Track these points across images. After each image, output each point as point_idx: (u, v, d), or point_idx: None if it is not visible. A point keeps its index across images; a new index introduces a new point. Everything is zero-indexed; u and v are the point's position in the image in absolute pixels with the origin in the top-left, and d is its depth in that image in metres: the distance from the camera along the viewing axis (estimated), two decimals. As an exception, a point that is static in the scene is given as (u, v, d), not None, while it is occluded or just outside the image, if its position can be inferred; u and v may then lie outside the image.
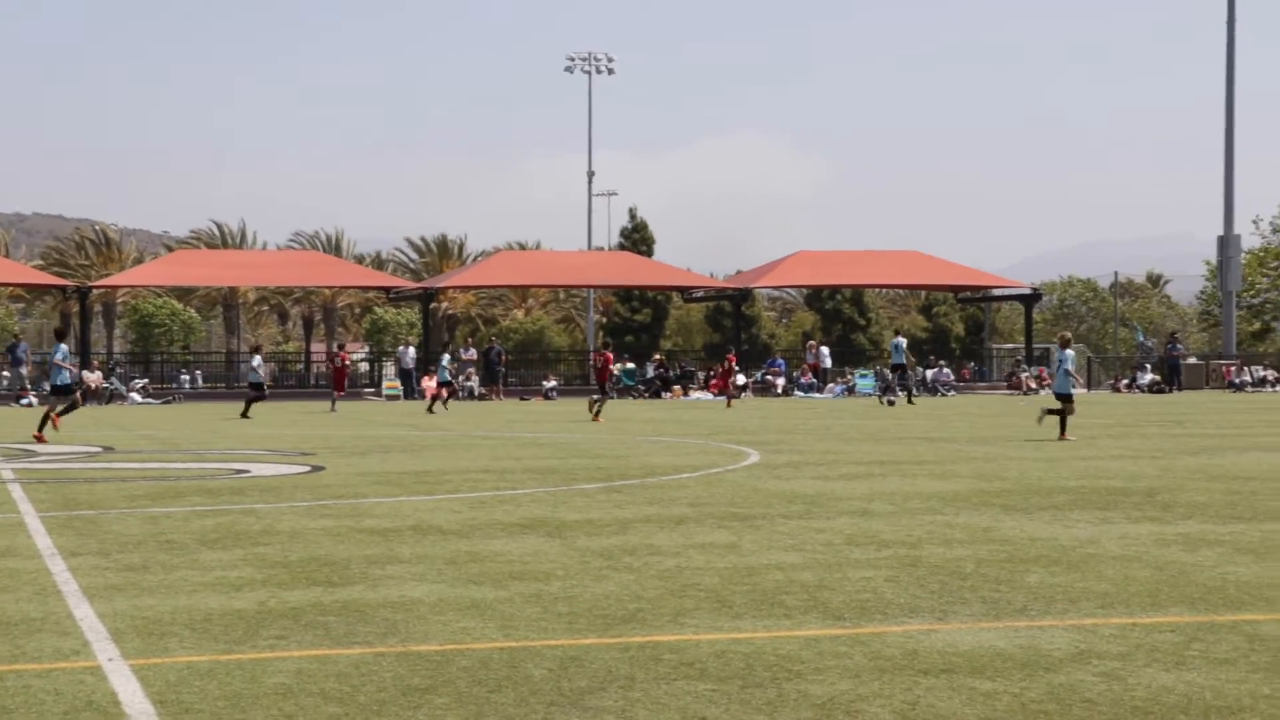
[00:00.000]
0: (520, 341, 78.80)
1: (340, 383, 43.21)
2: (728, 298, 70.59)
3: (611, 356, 36.74)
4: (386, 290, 65.52)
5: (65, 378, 26.67)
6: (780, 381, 59.50)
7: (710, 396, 55.67)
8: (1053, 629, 7.71)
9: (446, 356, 42.93)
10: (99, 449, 23.61)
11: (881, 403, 43.97)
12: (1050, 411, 24.69)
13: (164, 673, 6.79)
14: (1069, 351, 25.11)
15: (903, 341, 46.31)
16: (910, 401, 43.33)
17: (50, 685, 6.54)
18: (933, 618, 8.04)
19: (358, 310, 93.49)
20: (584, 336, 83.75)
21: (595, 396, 35.48)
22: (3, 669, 6.84)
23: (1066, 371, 24.83)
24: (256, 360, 38.69)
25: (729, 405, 45.70)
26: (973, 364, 68.75)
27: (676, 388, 56.64)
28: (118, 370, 53.37)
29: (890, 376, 47.16)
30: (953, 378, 60.35)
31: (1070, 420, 24.57)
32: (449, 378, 42.48)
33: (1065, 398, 24.61)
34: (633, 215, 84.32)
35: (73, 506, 14.10)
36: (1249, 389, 59.48)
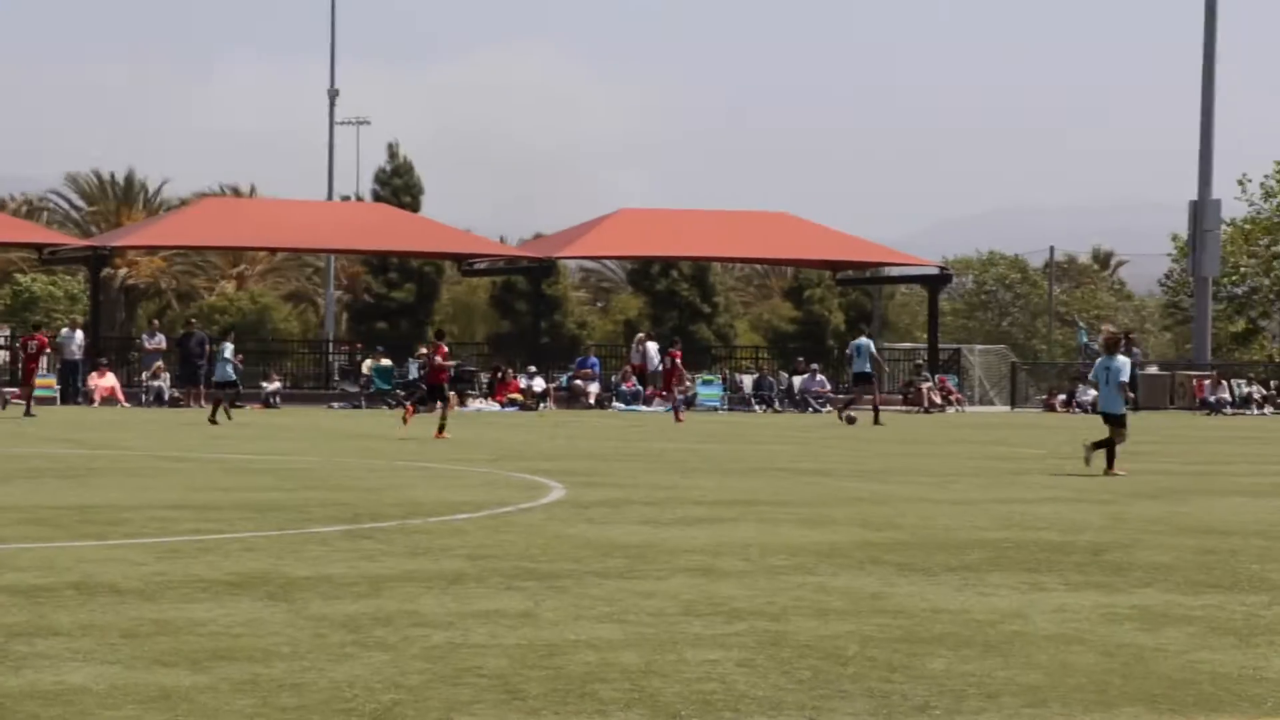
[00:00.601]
0: (230, 325, 78.04)
1: (29, 377, 43.20)
2: (522, 271, 70.89)
3: (446, 350, 36.95)
4: (38, 249, 64.40)
5: None
6: (594, 388, 59.94)
7: (497, 408, 55.79)
8: (965, 733, 7.83)
9: (229, 346, 42.22)
10: None
11: (840, 419, 44.84)
12: (1098, 444, 24.97)
13: None
14: (1121, 359, 25.45)
15: (867, 343, 46.99)
16: (877, 422, 43.83)
17: None
18: (801, 717, 8.14)
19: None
20: (321, 320, 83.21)
21: (417, 402, 36.85)
22: None
23: (1121, 384, 25.24)
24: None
25: (678, 420, 46.11)
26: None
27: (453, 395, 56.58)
28: None
29: (852, 388, 48.36)
30: (828, 387, 61.33)
31: (1120, 449, 25.02)
32: (233, 374, 41.91)
33: (1117, 420, 25.08)
34: (392, 153, 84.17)
35: None
36: (1227, 410, 61.45)
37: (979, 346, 76.69)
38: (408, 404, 38.89)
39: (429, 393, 37.14)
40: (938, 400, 59.95)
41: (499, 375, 58.84)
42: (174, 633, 10.23)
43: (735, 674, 9.13)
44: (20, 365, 43.41)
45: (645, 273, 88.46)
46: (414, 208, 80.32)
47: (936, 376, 61.93)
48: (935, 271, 68.67)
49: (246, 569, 13.14)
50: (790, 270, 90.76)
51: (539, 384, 58.15)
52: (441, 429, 34.59)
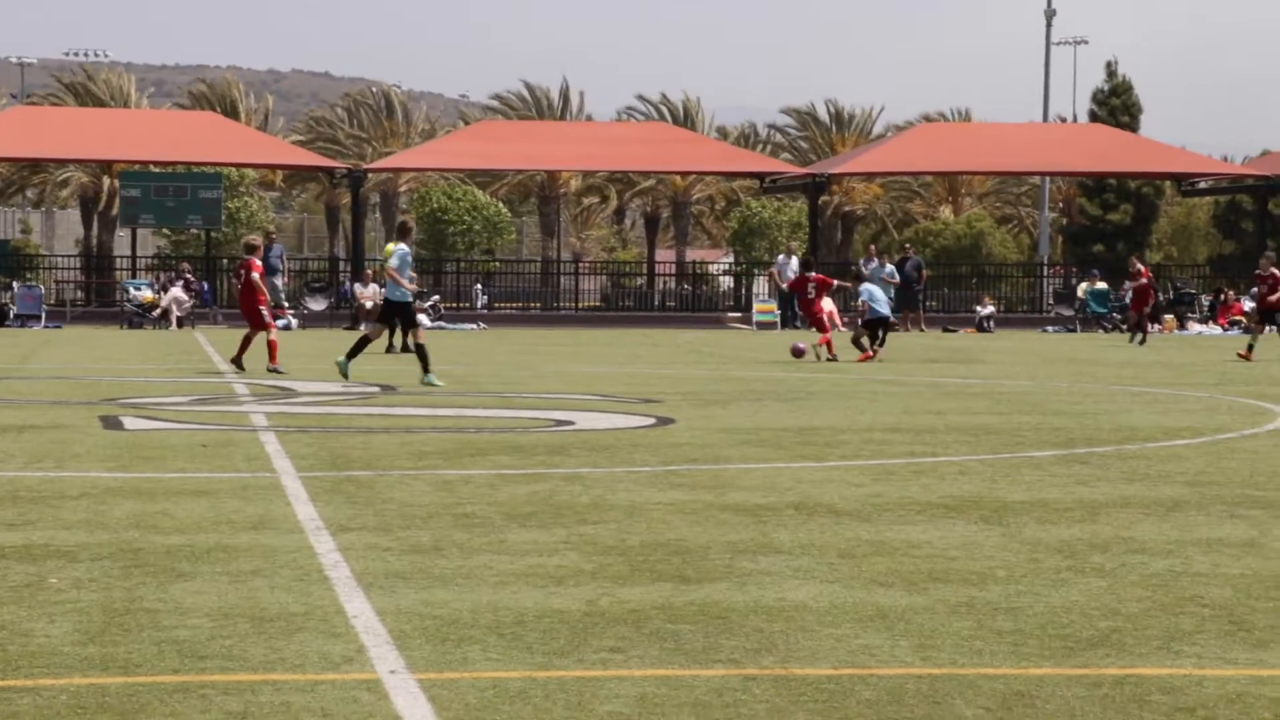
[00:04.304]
0: (944, 249, 78.40)
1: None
2: (1247, 189, 68.52)
3: (1148, 272, 36.25)
4: (760, 178, 66.09)
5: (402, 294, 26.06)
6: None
7: (1219, 331, 54.31)
8: None
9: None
10: (376, 389, 24.61)
11: None
12: None
13: (462, 692, 7.02)
14: None
15: None
16: None
17: (315, 702, 6.85)
18: None
19: (719, 205, 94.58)
20: (1035, 243, 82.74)
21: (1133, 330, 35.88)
22: (255, 678, 7.21)
23: None
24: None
25: None
26: None
27: (1169, 318, 55.43)
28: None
29: None
30: None
31: None
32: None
33: None
34: (1110, 72, 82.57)
35: (342, 465, 14.75)
36: None
37: None
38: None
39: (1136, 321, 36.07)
40: None
41: (1220, 298, 57.29)
42: (890, 554, 10.38)
43: None
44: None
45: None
46: (1132, 128, 78.75)
47: None
48: None
49: (961, 492, 13.22)
50: None
51: (1246, 304, 56.30)
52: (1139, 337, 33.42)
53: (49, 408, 20.57)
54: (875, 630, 8.22)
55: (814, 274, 36.01)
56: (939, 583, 9.45)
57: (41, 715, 6.60)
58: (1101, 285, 57.75)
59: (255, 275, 28.51)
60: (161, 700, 6.82)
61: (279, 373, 26.90)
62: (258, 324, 28.42)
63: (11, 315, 51.11)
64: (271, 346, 27.83)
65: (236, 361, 27.76)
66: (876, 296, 34.05)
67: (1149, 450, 16.48)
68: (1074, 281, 61.82)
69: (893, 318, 42.40)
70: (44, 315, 51.31)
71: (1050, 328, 56.22)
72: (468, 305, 61.36)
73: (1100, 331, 53.92)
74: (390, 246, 26.36)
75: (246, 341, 28.34)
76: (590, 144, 66.31)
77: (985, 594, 9.14)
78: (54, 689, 6.97)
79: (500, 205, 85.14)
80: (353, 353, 25.84)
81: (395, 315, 26.43)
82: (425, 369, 24.80)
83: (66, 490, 12.95)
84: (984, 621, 8.44)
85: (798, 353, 32.36)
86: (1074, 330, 55.16)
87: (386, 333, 34.38)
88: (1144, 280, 45.23)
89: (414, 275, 26.80)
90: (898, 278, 51.21)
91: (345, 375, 25.28)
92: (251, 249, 29.43)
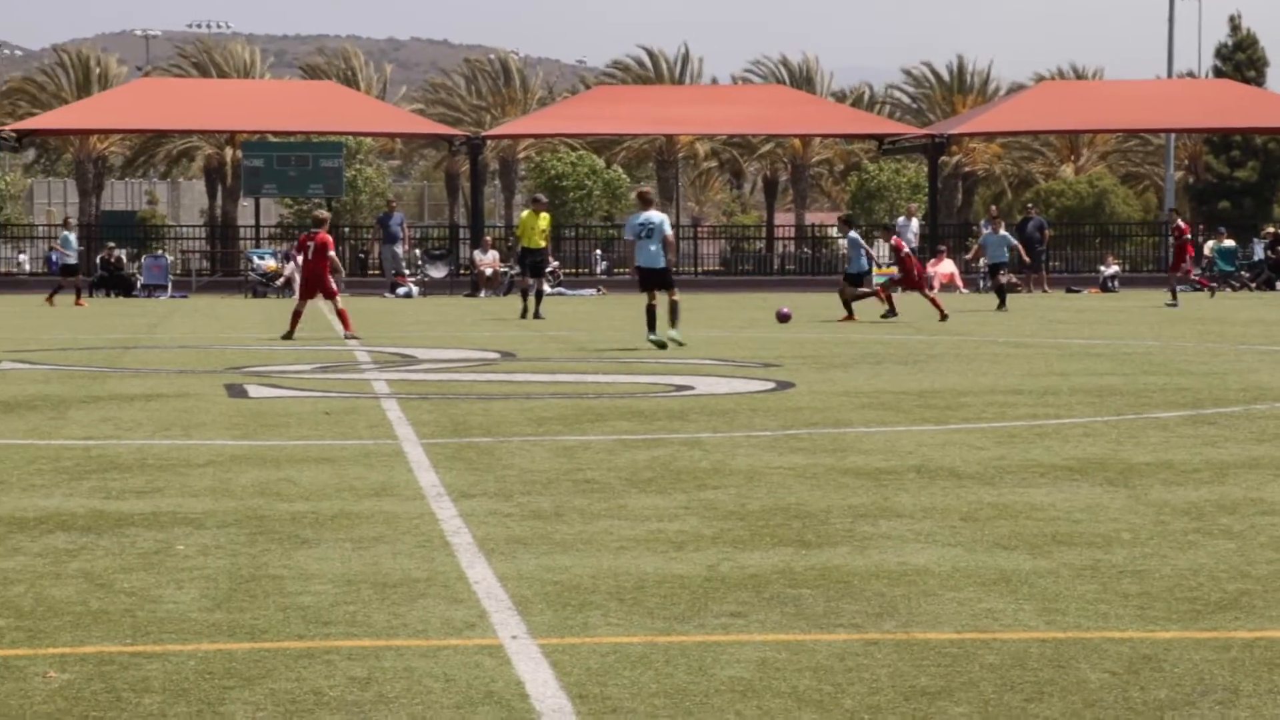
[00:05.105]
0: (1066, 209, 77.77)
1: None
2: (1376, 144, 67.64)
3: (1187, 228, 35.98)
4: (879, 140, 65.80)
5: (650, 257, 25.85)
6: None
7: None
8: None
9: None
10: (495, 355, 24.74)
11: None
12: None
13: (584, 657, 7.06)
14: None
15: None
16: None
17: (438, 667, 6.90)
18: None
19: (838, 168, 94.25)
20: (1160, 202, 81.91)
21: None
22: (378, 644, 7.27)
23: None
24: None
25: None
26: None
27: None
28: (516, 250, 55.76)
29: None
30: None
31: None
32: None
33: None
34: (1234, 26, 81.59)
35: (463, 432, 14.84)
36: None
37: None
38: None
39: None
40: None
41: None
42: (1013, 517, 10.33)
43: None
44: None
45: None
46: (1258, 82, 77.84)
47: None
48: None
49: (1085, 454, 13.13)
50: None
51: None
52: None
53: (175, 376, 20.80)
54: (998, 594, 8.19)
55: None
56: (1063, 546, 9.40)
57: (170, 680, 6.69)
58: (1229, 243, 57.06)
59: (330, 250, 29.07)
60: (287, 666, 6.89)
61: (356, 338, 27.46)
62: (328, 292, 28.95)
63: (139, 285, 51.70)
64: (343, 315, 28.41)
65: (289, 335, 28.04)
66: (853, 253, 34.42)
67: (1278, 410, 16.31)
68: (1200, 239, 61.17)
69: (1014, 279, 42.00)
70: (170, 285, 51.85)
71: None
72: (587, 271, 61.50)
73: (1228, 290, 53.31)
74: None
75: (297, 316, 28.77)
76: (708, 107, 66.26)
77: (1110, 557, 9.08)
78: (182, 654, 7.06)
79: (619, 170, 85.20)
80: (650, 325, 25.64)
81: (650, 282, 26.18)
82: (672, 324, 25.53)
83: (193, 458, 13.09)
84: (1109, 585, 8.38)
85: (783, 317, 32.02)
86: (1199, 289, 54.56)
87: (526, 300, 34.69)
88: (1184, 235, 44.29)
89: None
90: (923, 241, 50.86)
91: (664, 345, 25.12)
92: (320, 222, 30.06)
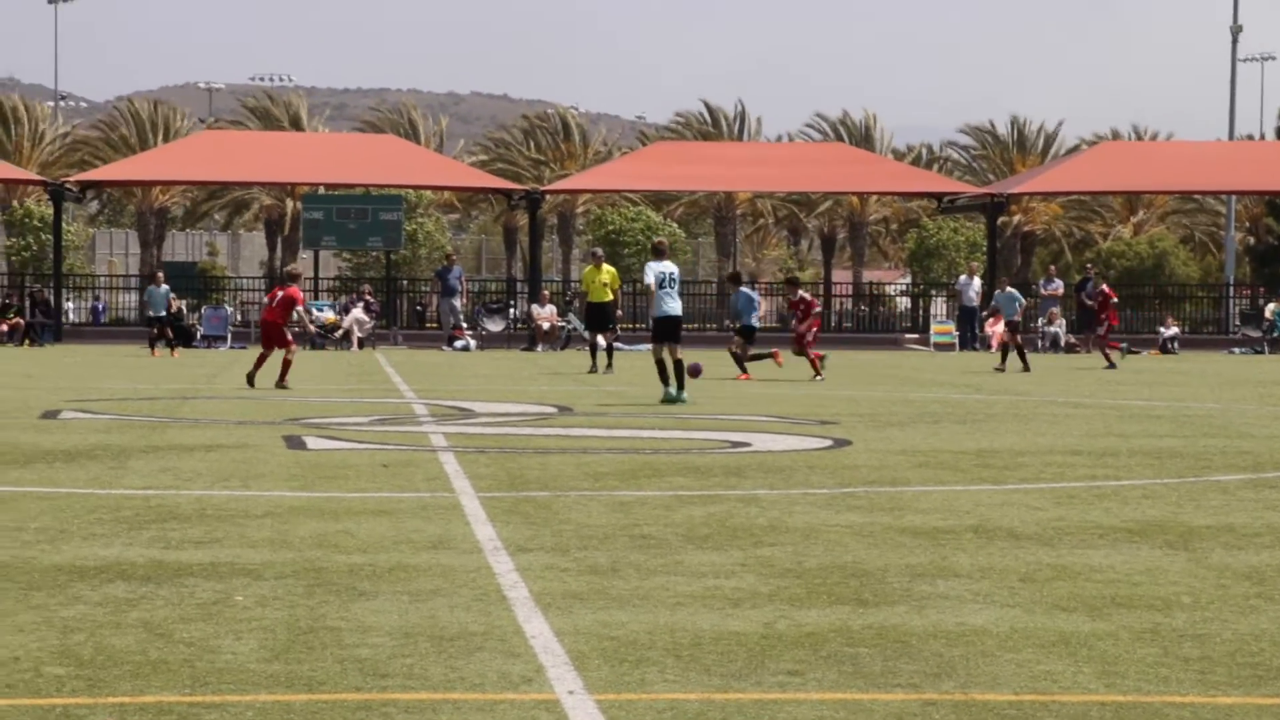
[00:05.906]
0: (1127, 270, 77.52)
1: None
2: None
3: (1113, 292, 35.47)
4: (937, 198, 65.75)
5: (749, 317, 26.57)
6: None
7: None
8: None
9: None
10: (553, 409, 24.76)
11: None
12: None
13: (640, 713, 7.05)
14: None
15: None
16: None
17: (495, 721, 6.91)
18: None
19: (895, 226, 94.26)
20: (1221, 264, 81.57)
21: None
22: (435, 697, 7.28)
23: None
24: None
25: None
26: None
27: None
28: (575, 305, 55.79)
29: None
30: None
31: None
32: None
33: None
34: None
35: (520, 486, 14.86)
36: None
37: None
38: None
39: None
40: None
41: None
42: (1072, 578, 10.28)
43: None
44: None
45: None
46: (1319, 145, 77.54)
47: None
48: None
49: (1145, 516, 13.07)
50: None
51: None
52: None
53: (234, 427, 20.90)
54: (1057, 656, 8.15)
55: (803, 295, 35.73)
56: (1123, 608, 9.35)
57: (227, 732, 6.70)
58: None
59: (299, 305, 30.34)
60: (344, 717, 6.91)
61: (285, 388, 28.11)
62: (281, 342, 29.79)
63: (199, 336, 51.94)
64: (285, 365, 29.09)
65: (250, 377, 28.84)
66: (744, 309, 33.84)
67: (1338, 474, 16.22)
68: (1261, 302, 60.88)
69: (1072, 337, 41.54)
70: (229, 336, 52.10)
71: (1237, 349, 55.38)
72: (644, 326, 61.53)
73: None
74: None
75: (261, 359, 29.62)
76: (766, 165, 66.34)
77: (1171, 620, 9.03)
78: (240, 705, 7.09)
79: (675, 225, 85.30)
80: (665, 379, 25.80)
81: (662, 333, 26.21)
82: (679, 385, 25.53)
83: (252, 509, 13.15)
84: (1170, 648, 8.34)
85: (694, 371, 30.76)
86: (1261, 352, 54.30)
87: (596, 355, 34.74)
88: (1103, 299, 43.62)
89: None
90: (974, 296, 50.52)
91: (677, 401, 25.33)
92: (294, 277, 31.29)
